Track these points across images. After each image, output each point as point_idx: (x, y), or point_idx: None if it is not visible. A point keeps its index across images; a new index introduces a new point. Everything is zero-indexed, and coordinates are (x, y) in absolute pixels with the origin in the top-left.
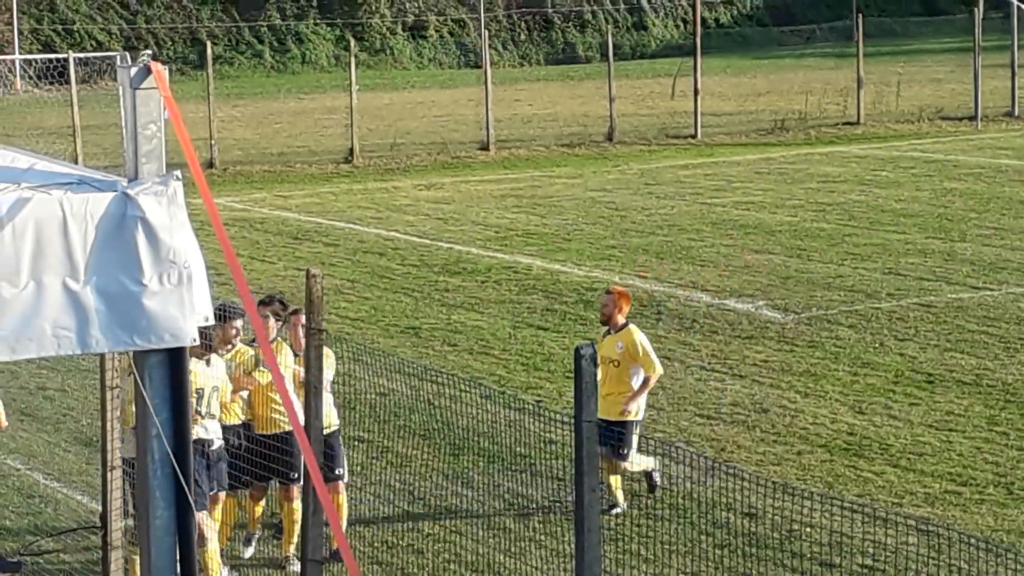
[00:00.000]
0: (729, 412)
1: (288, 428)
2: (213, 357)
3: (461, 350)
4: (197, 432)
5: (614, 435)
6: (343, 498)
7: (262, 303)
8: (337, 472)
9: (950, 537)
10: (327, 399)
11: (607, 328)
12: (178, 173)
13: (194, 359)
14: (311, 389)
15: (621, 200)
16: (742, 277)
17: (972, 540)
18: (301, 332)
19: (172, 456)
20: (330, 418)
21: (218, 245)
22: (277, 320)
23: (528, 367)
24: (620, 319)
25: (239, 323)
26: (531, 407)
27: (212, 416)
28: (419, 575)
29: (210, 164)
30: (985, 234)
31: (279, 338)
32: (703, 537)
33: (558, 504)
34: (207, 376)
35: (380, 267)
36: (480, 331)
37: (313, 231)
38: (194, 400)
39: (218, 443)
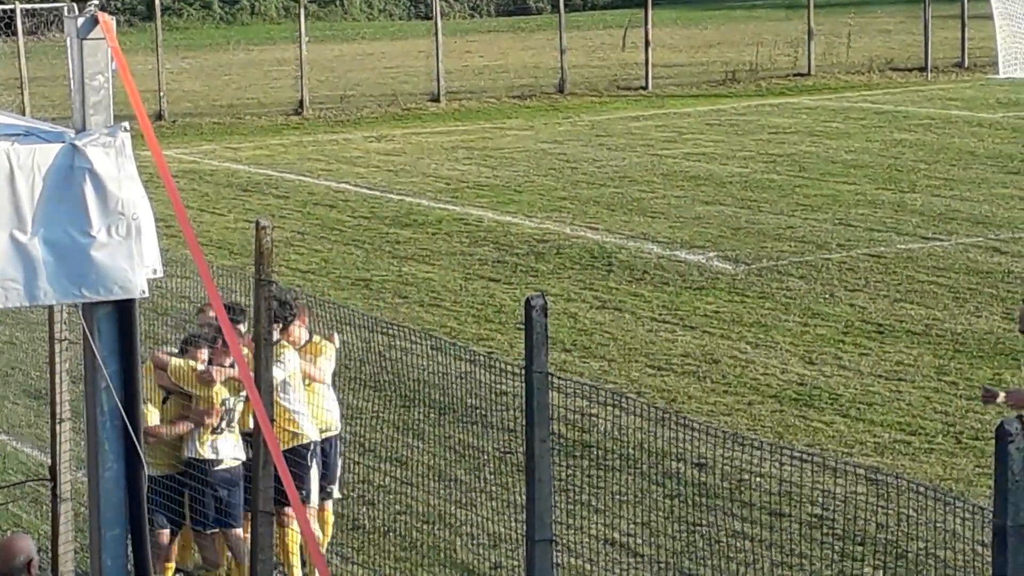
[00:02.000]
0: (680, 363)
1: (295, 443)
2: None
3: (412, 302)
4: (202, 451)
5: None
6: (329, 515)
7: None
8: (328, 490)
9: (899, 486)
10: (329, 396)
11: None
12: (126, 124)
13: (217, 367)
14: (261, 341)
15: (572, 152)
16: (693, 228)
17: (921, 489)
18: (303, 332)
19: (122, 409)
20: (329, 420)
21: (167, 197)
22: (277, 323)
23: (479, 319)
24: None
25: (243, 328)
26: (482, 358)
27: (230, 430)
28: (370, 527)
29: (159, 116)
30: (935, 185)
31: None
32: (654, 487)
33: (509, 455)
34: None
35: (330, 219)
36: (431, 283)
37: (263, 183)
38: (217, 412)
39: (229, 465)
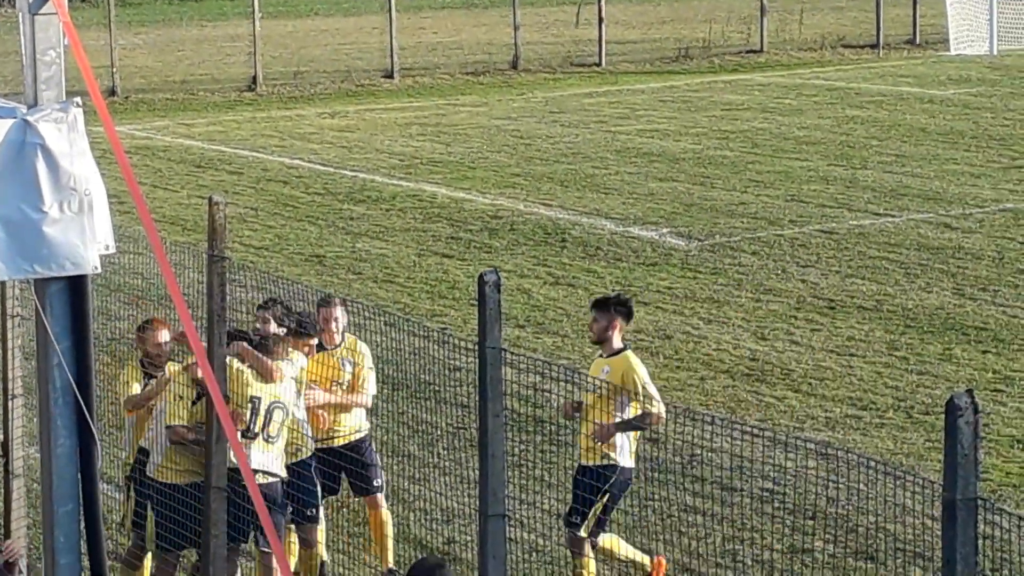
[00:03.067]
0: (632, 338)
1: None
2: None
3: (366, 278)
4: (233, 458)
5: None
6: (385, 514)
7: (262, 307)
8: (375, 484)
9: (850, 460)
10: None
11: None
12: (78, 100)
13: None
14: (214, 317)
15: (526, 128)
16: (646, 204)
17: (872, 463)
18: (334, 327)
19: (74, 385)
20: (358, 420)
21: (120, 173)
22: (280, 326)
23: (433, 295)
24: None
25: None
26: (436, 334)
27: (270, 440)
28: (323, 503)
29: (112, 92)
30: (886, 161)
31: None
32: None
33: (463, 430)
34: (266, 388)
35: (284, 195)
36: (385, 259)
37: (216, 159)
38: (246, 413)
39: (270, 480)
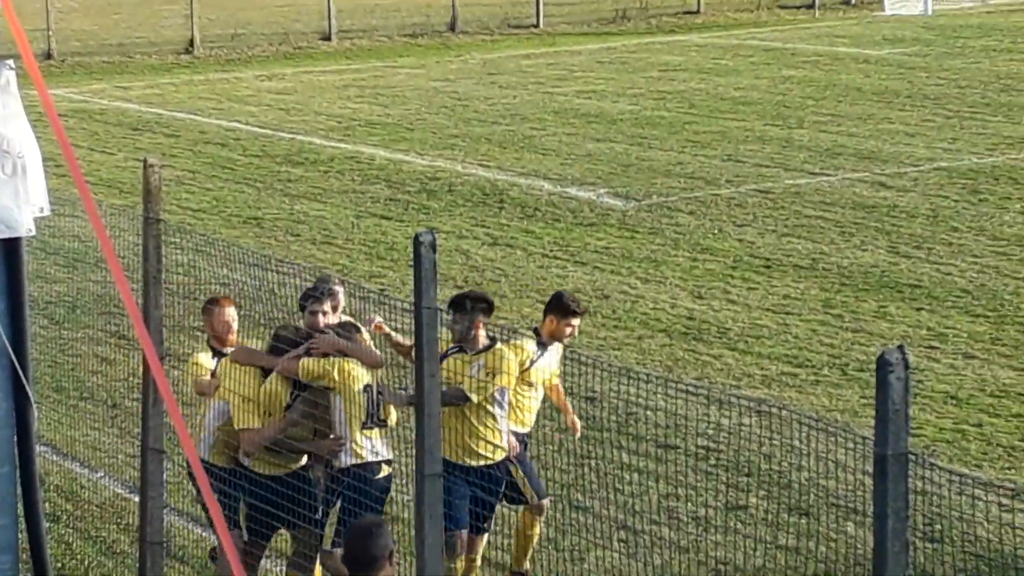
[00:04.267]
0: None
1: (496, 459)
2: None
3: (304, 240)
4: (360, 451)
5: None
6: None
7: (316, 299)
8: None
9: (784, 417)
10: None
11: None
12: (10, 62)
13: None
14: (149, 279)
15: (463, 90)
16: (583, 165)
17: (807, 420)
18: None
19: (9, 348)
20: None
21: (55, 136)
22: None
23: (371, 256)
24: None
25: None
26: (374, 296)
27: (383, 425)
28: None
29: (48, 55)
30: (822, 121)
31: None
32: (545, 422)
33: (400, 391)
34: (368, 374)
35: (221, 158)
36: (323, 221)
37: (153, 122)
38: (364, 403)
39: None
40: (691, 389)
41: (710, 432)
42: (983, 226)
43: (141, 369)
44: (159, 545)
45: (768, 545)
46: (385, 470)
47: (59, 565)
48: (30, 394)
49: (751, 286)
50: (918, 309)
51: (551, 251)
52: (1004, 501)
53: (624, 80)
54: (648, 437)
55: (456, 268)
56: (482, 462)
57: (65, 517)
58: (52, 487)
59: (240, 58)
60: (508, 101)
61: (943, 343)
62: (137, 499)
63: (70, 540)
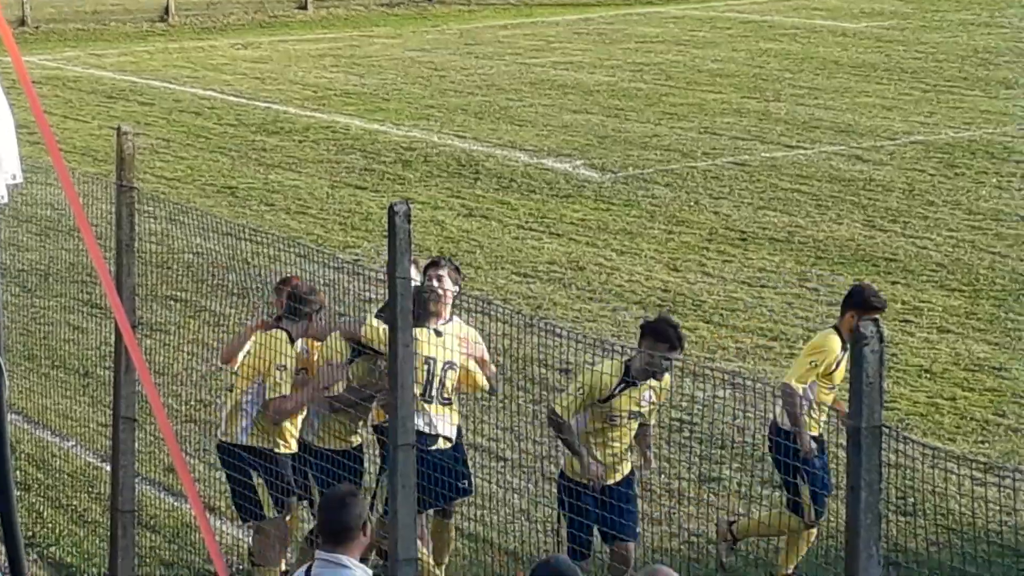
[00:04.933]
0: (546, 270)
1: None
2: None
3: (278, 209)
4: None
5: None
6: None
7: (432, 264)
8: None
9: (757, 390)
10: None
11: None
12: None
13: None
14: (122, 247)
15: (440, 60)
16: (560, 137)
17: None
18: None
19: None
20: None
21: (29, 103)
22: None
23: (346, 226)
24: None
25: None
26: (349, 266)
27: (446, 403)
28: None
29: (22, 22)
30: (799, 94)
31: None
32: (519, 393)
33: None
34: (439, 348)
35: (196, 126)
36: (298, 190)
37: (128, 90)
38: (421, 374)
39: (443, 446)
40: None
41: (684, 404)
42: (959, 200)
43: (113, 337)
44: (130, 514)
45: (742, 517)
46: (441, 444)
47: (30, 534)
48: (1, 362)
49: (726, 259)
50: (893, 283)
51: (526, 222)
52: (977, 474)
53: (601, 51)
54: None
55: (431, 239)
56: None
57: (36, 486)
58: (23, 456)
59: (215, 26)
60: (485, 72)
61: (918, 317)
62: (108, 468)
63: (41, 509)
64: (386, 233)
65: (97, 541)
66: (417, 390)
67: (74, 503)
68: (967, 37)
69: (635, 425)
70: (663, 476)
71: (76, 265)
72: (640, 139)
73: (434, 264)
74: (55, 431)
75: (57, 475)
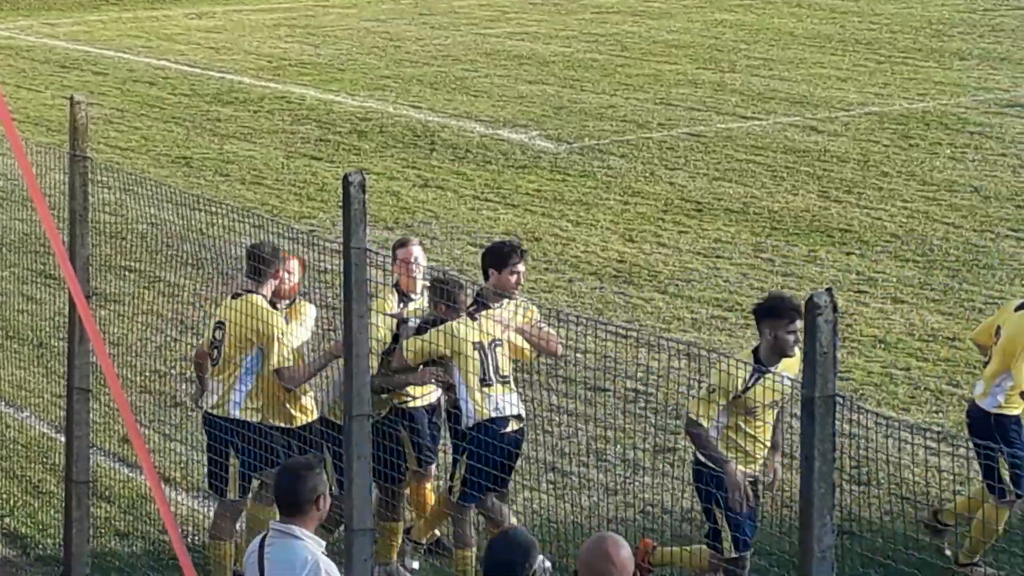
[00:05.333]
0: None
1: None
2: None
3: (233, 180)
4: (482, 410)
5: None
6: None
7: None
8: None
9: (712, 360)
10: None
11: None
12: None
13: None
14: (76, 218)
15: (395, 30)
16: (516, 107)
17: (737, 363)
18: (416, 271)
19: None
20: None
21: None
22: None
23: (301, 197)
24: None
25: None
26: (304, 236)
27: (506, 381)
28: (190, 403)
29: None
30: (754, 65)
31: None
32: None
33: (331, 332)
34: (476, 329)
35: (150, 96)
36: (253, 161)
37: (81, 60)
38: (474, 362)
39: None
40: (621, 332)
41: (640, 375)
42: (913, 171)
43: (67, 308)
44: (85, 485)
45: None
46: (513, 425)
47: None
48: None
49: (682, 229)
50: (848, 253)
51: (482, 193)
52: (931, 444)
53: (557, 22)
54: (579, 380)
55: (387, 210)
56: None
57: None
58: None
59: None
60: (440, 42)
61: (872, 287)
62: (63, 439)
63: None
64: (341, 204)
65: (52, 512)
66: (475, 379)
67: (28, 474)
68: (921, 8)
69: (773, 415)
70: (618, 446)
71: (30, 235)
72: (596, 110)
73: (402, 244)
74: (9, 402)
75: (11, 446)
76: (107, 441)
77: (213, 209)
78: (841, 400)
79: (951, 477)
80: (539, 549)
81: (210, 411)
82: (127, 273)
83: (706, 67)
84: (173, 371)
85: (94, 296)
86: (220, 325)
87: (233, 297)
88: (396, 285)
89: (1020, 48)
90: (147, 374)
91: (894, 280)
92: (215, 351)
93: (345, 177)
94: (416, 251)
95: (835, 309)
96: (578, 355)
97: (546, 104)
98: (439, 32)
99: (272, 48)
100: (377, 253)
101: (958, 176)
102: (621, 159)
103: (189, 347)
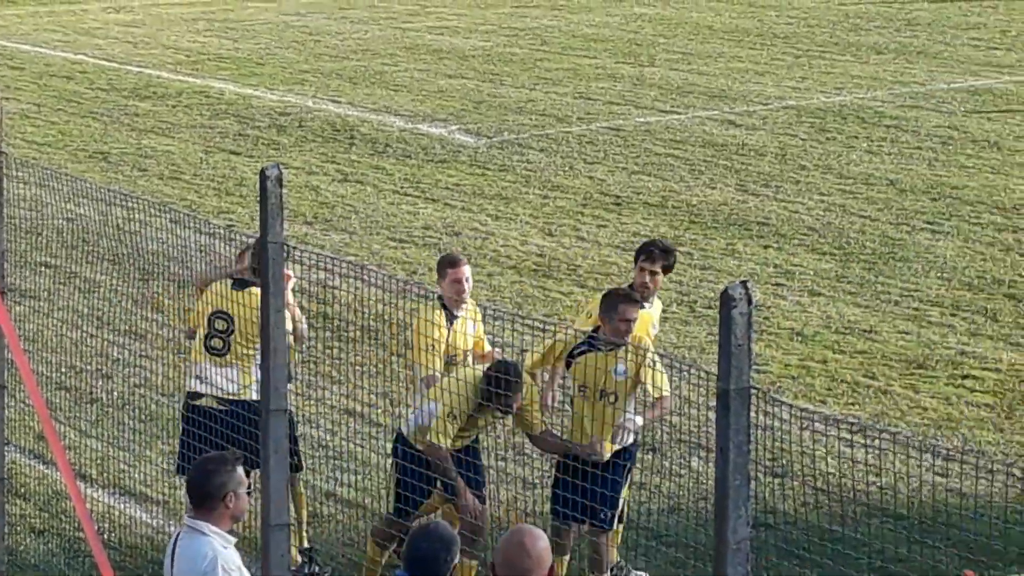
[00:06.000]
0: (421, 235)
1: None
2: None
3: (151, 175)
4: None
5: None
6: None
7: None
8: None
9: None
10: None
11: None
12: None
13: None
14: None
15: (314, 24)
16: (435, 101)
17: (658, 357)
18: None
19: None
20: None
21: None
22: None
23: (220, 192)
24: None
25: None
26: (222, 231)
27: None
28: (106, 400)
29: None
30: (673, 59)
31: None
32: (393, 358)
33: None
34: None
35: (67, 91)
36: (171, 156)
37: None
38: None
39: None
40: (539, 326)
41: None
42: (830, 164)
43: None
44: (0, 481)
45: None
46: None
47: None
48: None
49: (601, 223)
50: (765, 247)
51: (402, 188)
52: (846, 436)
53: (476, 16)
54: None
55: (306, 204)
56: None
57: None
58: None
59: None
60: (360, 36)
61: (790, 280)
62: None
63: None
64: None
65: None
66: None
67: None
68: (838, 2)
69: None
70: None
71: None
72: (515, 104)
73: (452, 264)
74: None
75: None
76: (22, 438)
77: (130, 204)
78: (757, 392)
79: (866, 468)
80: (459, 543)
81: (225, 396)
82: (43, 269)
83: (625, 61)
84: (89, 367)
85: (10, 292)
86: (221, 315)
87: (234, 287)
88: (440, 298)
89: (936, 42)
90: (63, 370)
91: (811, 273)
92: (218, 340)
93: (262, 171)
94: (467, 271)
95: (750, 301)
96: (497, 349)
97: (466, 98)
98: (358, 26)
99: (191, 42)
100: (295, 248)
101: (874, 169)
102: (540, 153)
103: (106, 343)
